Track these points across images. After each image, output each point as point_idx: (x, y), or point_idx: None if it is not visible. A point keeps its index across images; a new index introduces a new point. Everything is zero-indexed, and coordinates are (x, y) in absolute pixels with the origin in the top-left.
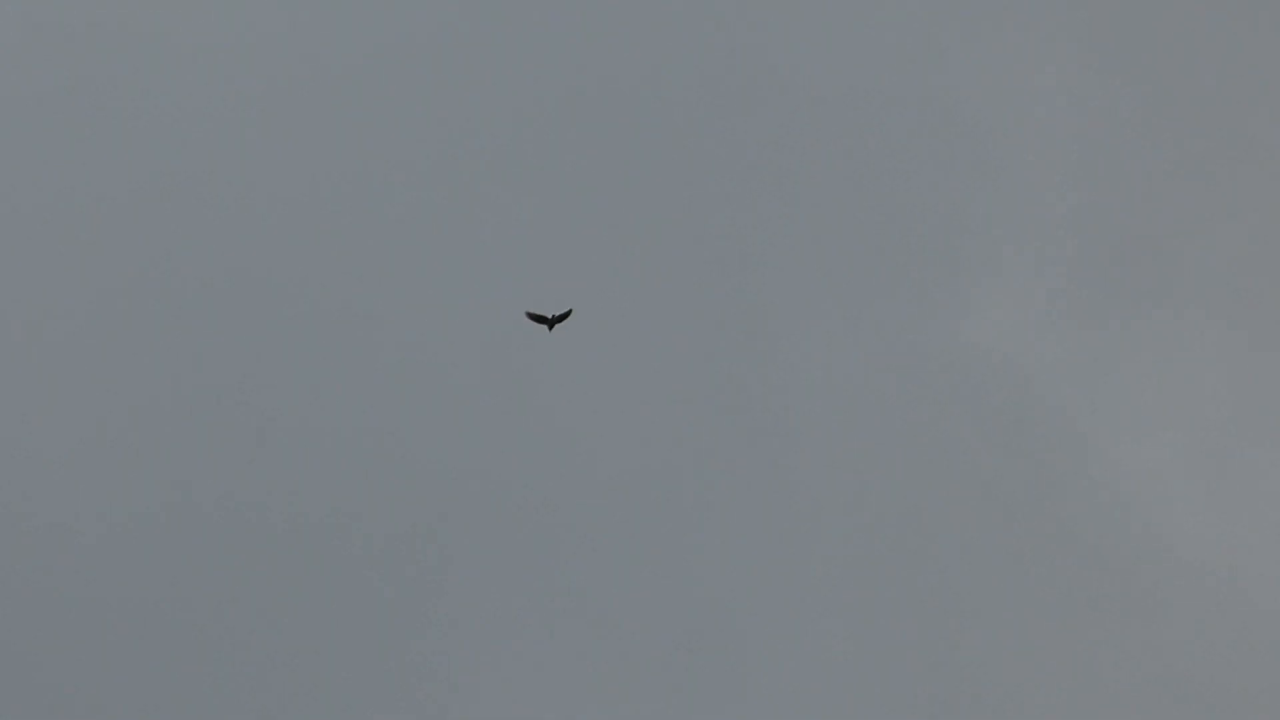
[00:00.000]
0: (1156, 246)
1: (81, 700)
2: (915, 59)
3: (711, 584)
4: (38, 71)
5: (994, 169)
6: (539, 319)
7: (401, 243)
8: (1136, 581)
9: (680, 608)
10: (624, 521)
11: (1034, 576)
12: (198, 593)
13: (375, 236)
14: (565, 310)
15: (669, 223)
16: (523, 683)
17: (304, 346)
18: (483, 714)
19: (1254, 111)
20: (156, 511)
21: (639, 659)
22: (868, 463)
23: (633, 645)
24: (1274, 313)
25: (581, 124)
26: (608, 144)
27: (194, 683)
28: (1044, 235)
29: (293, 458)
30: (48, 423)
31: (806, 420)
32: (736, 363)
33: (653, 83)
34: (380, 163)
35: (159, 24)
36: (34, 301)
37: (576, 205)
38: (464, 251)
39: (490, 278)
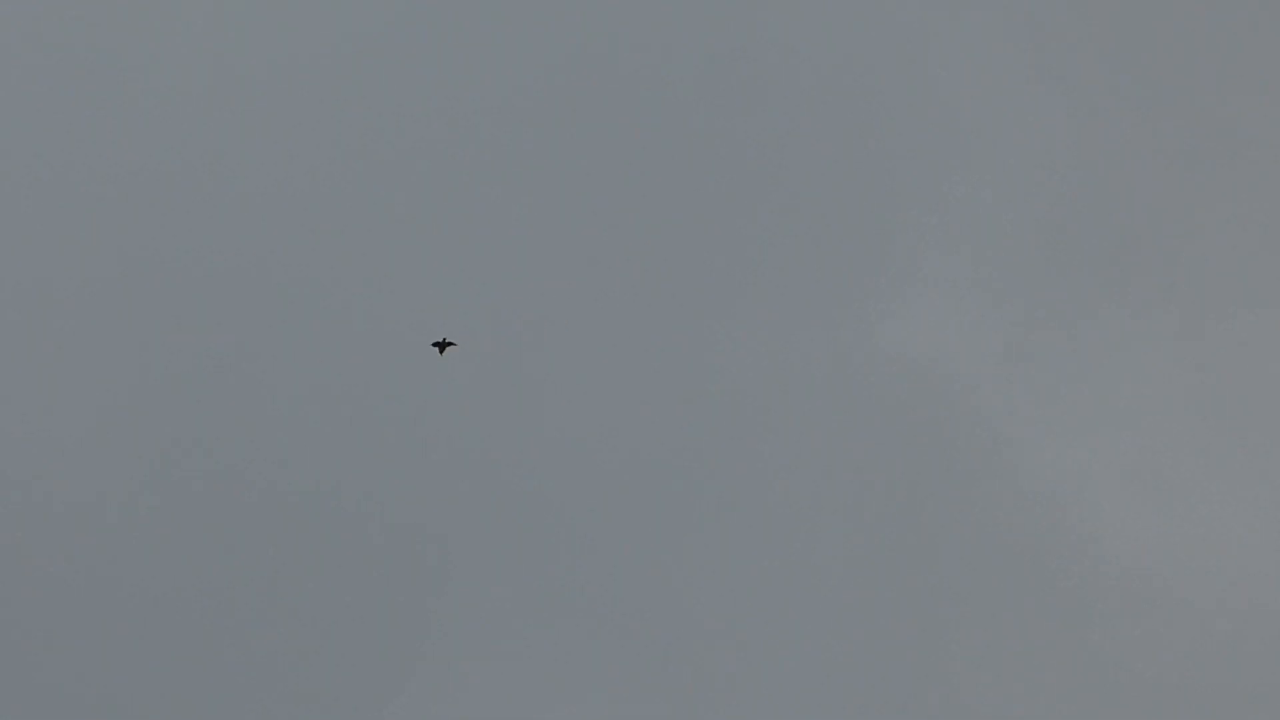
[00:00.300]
0: (1089, 252)
1: (70, 692)
2: (855, 66)
3: (640, 583)
4: (36, 72)
5: (925, 175)
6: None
7: (380, 234)
8: (1070, 584)
9: (613, 599)
10: (544, 516)
11: (966, 579)
12: (197, 587)
13: (359, 229)
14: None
15: (601, 228)
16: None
17: (302, 342)
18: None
19: (1189, 118)
20: (153, 501)
21: (582, 645)
22: (800, 466)
23: (573, 631)
24: (1207, 316)
25: (515, 129)
26: (531, 158)
27: (193, 679)
28: (974, 241)
29: (287, 452)
30: (45, 412)
31: (738, 423)
32: (668, 365)
33: (582, 96)
34: (364, 156)
35: (159, 23)
36: (33, 292)
37: (501, 225)
38: (424, 244)
39: (455, 270)
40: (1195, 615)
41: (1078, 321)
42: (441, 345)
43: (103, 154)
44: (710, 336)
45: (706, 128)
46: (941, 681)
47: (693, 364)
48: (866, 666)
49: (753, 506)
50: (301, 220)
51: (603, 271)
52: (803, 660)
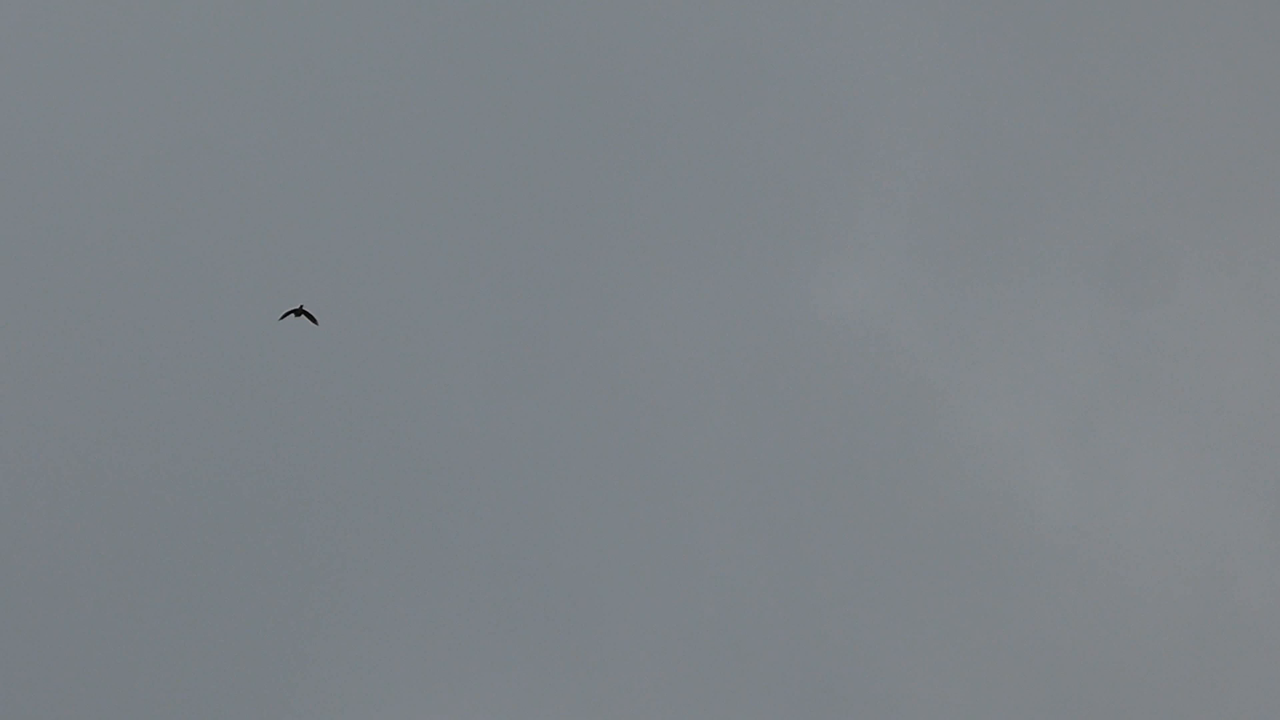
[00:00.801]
0: (1017, 215)
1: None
2: (780, 28)
3: (560, 556)
4: (35, 72)
5: (853, 138)
6: (298, 314)
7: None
8: (998, 550)
9: (524, 579)
10: (471, 492)
11: (896, 548)
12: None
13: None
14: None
15: (527, 187)
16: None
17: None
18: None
19: (1115, 79)
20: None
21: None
22: (729, 435)
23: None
24: (1133, 279)
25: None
26: (474, 112)
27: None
28: (903, 203)
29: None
30: (37, 416)
31: (665, 392)
32: (592, 332)
33: (514, 48)
34: (360, 158)
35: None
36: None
37: (435, 173)
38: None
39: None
40: (1120, 576)
41: (1005, 283)
42: (299, 313)
43: (102, 154)
44: (642, 303)
45: (638, 96)
46: (869, 644)
47: (626, 332)
48: (794, 629)
49: (685, 473)
50: (300, 222)
51: (534, 238)
52: (732, 626)
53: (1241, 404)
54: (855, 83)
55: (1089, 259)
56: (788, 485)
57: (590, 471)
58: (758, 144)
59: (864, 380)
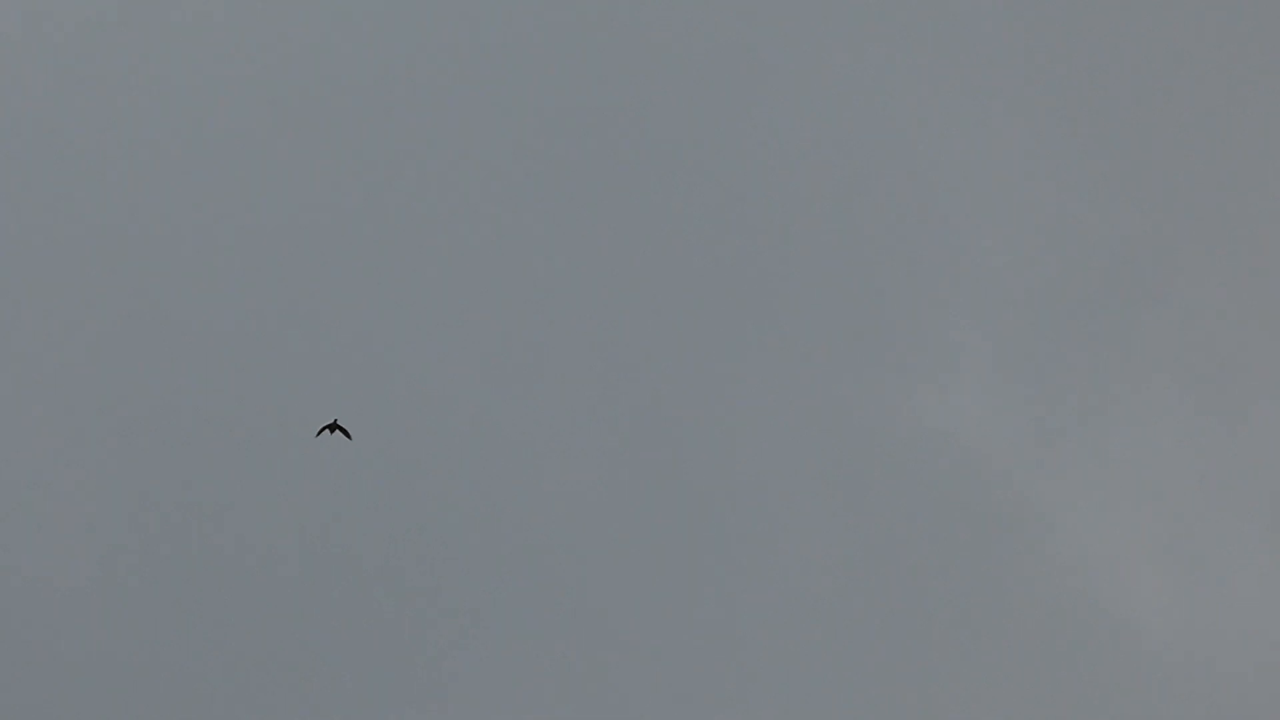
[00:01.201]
0: (1111, 324)
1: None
2: (870, 136)
3: (652, 668)
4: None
5: (945, 249)
6: (333, 429)
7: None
8: (1097, 666)
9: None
10: (585, 602)
11: (993, 667)
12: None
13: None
14: (332, 422)
15: (633, 306)
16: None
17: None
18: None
19: (1209, 186)
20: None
21: None
22: (822, 551)
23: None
24: (1231, 387)
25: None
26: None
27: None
28: (995, 314)
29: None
30: (41, 434)
31: (759, 508)
32: (692, 448)
33: (598, 172)
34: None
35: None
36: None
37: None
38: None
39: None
40: (1222, 691)
41: (1100, 393)
42: (334, 429)
43: (101, 155)
44: (735, 419)
45: (736, 207)
46: None
47: (719, 450)
48: None
49: (778, 590)
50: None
51: (639, 346)
52: None
53: None
54: (947, 193)
55: (1186, 368)
56: (882, 602)
57: (684, 588)
58: (849, 256)
59: (957, 494)
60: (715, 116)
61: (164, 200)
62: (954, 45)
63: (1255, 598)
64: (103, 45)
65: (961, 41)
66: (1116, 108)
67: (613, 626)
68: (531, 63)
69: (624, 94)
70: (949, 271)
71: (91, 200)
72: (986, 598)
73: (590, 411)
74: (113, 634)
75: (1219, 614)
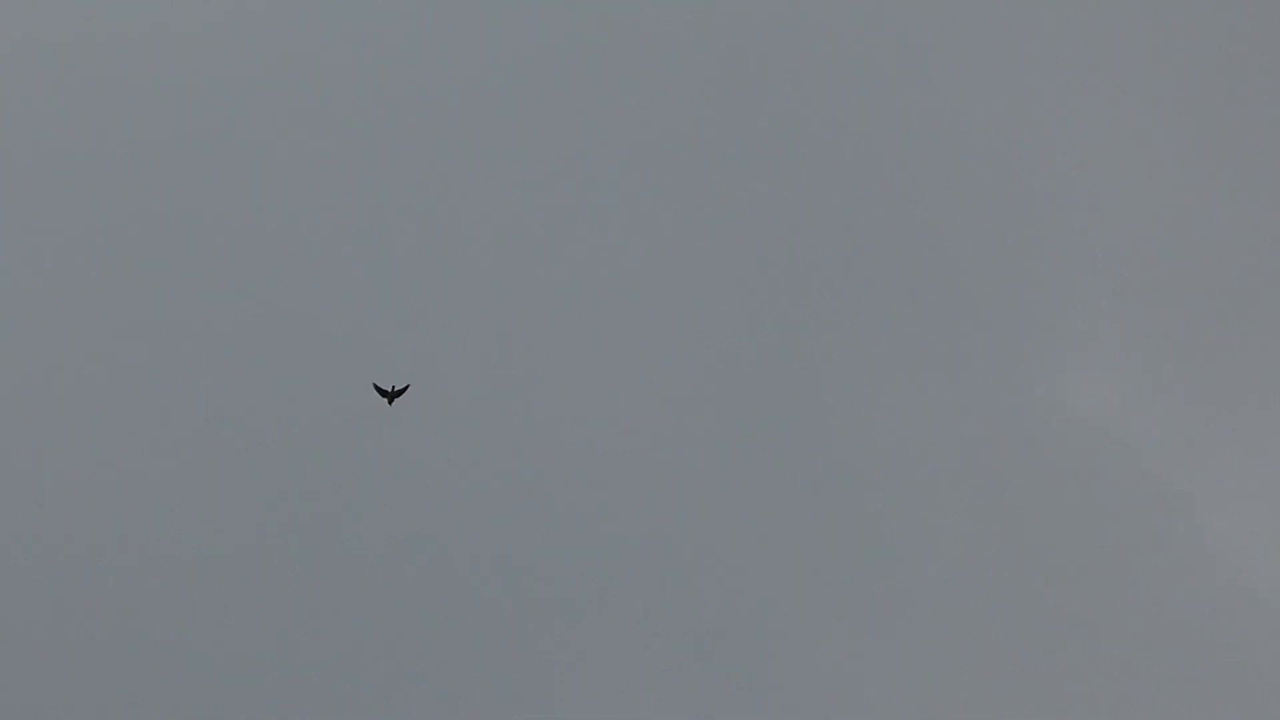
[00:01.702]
0: (1256, 311)
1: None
2: (1018, 135)
3: (800, 666)
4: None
5: (1089, 237)
6: (382, 392)
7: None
8: (1244, 656)
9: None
10: (717, 589)
11: (1140, 657)
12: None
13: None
14: (404, 386)
15: (762, 290)
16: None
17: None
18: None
19: None
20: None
21: None
22: (967, 542)
23: None
24: None
25: (669, 184)
26: (691, 206)
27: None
28: (1139, 302)
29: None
30: (53, 435)
31: (903, 501)
32: (827, 445)
33: (734, 147)
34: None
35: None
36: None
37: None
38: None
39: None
40: None
41: (1244, 381)
42: (390, 394)
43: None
44: (877, 412)
45: (876, 196)
46: None
47: (862, 443)
48: None
49: (923, 575)
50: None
51: (775, 339)
52: None
53: None
54: (1089, 182)
55: None
56: (1028, 592)
57: (828, 581)
58: (992, 245)
59: (1103, 485)
60: (865, 109)
61: (166, 200)
62: (1099, 38)
63: None
64: (103, 45)
65: (1108, 34)
66: (1257, 98)
67: (751, 626)
68: (672, 58)
69: (776, 82)
70: (1093, 258)
71: (92, 200)
72: (1134, 588)
73: (729, 402)
74: (118, 631)
75: None
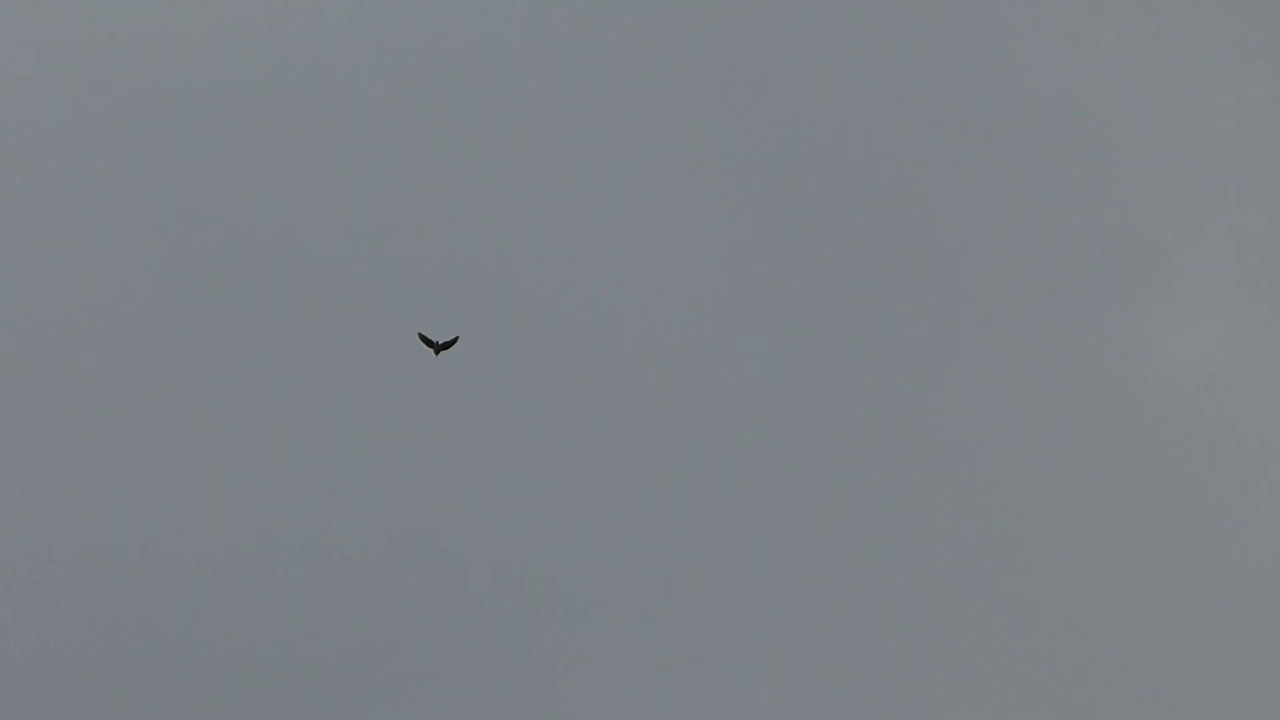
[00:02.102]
0: None
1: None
2: (1101, 77)
3: (897, 610)
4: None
5: (1186, 183)
6: (428, 343)
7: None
8: None
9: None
10: (805, 538)
11: (1251, 612)
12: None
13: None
14: (453, 338)
15: (856, 243)
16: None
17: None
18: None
19: None
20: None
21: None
22: (1071, 495)
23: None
24: None
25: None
26: (791, 167)
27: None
28: (1237, 245)
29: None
30: (42, 426)
31: (1003, 454)
32: (932, 382)
33: (832, 111)
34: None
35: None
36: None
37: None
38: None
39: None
40: None
41: None
42: (437, 346)
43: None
44: (975, 364)
45: (970, 164)
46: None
47: (958, 395)
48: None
49: (1027, 536)
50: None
51: (876, 297)
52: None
53: None
54: (1201, 130)
55: None
56: (1135, 543)
57: (932, 537)
58: (1078, 192)
59: (1203, 433)
60: (932, 58)
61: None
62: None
63: None
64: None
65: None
66: None
67: (856, 573)
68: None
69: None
70: (1190, 202)
71: (92, 199)
72: (1229, 540)
73: (829, 363)
74: (109, 634)
75: None
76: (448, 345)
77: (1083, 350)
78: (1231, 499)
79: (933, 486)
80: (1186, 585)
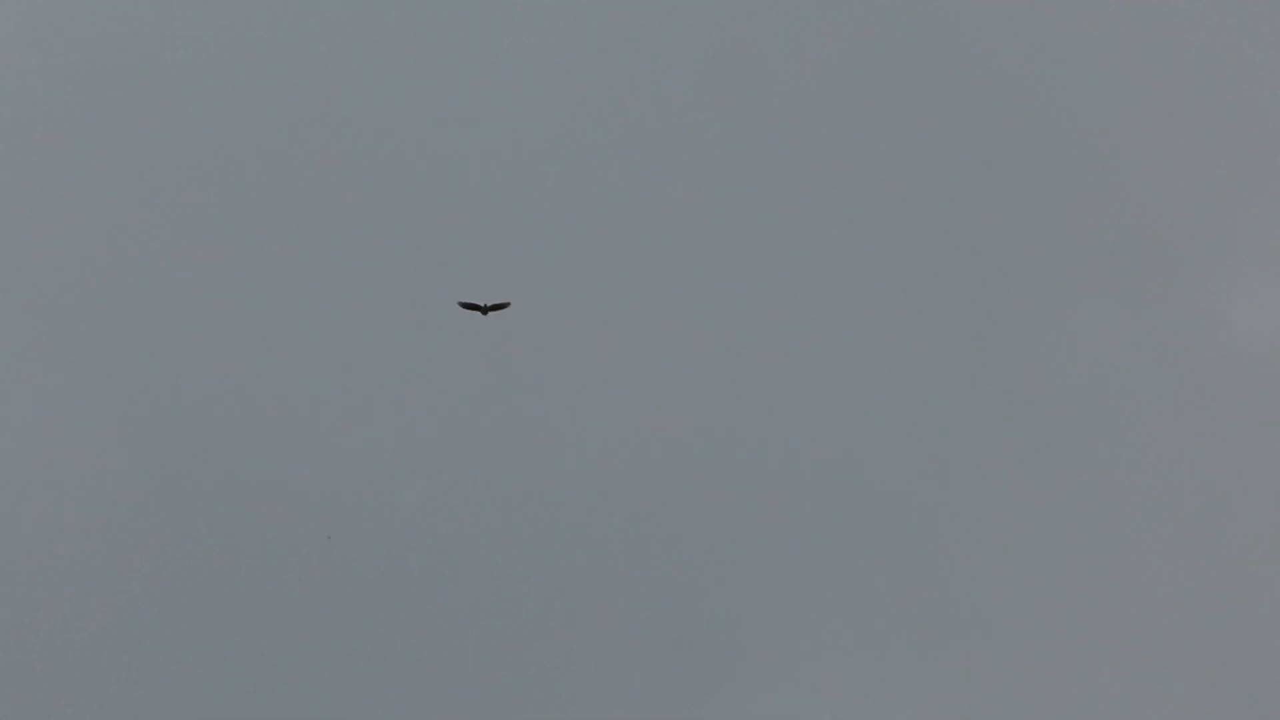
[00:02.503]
0: None
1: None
2: (1183, 42)
3: (972, 579)
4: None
5: (1259, 153)
6: (474, 307)
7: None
8: None
9: (928, 598)
10: (883, 516)
11: None
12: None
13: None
14: (504, 301)
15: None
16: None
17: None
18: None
19: None
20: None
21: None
22: (1153, 463)
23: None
24: None
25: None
26: (856, 145)
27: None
28: None
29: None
30: (43, 437)
31: (1083, 424)
32: (1005, 366)
33: (903, 87)
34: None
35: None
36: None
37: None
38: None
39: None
40: None
41: None
42: (484, 309)
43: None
44: (1050, 334)
45: (1039, 131)
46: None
47: (1041, 365)
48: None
49: (1097, 504)
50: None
51: (949, 270)
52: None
53: None
54: (1255, 94)
55: None
56: (1214, 513)
57: (1012, 514)
58: (1171, 169)
59: (1265, 403)
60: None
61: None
62: None
63: None
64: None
65: None
66: None
67: (953, 555)
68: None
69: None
70: (1254, 173)
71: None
72: None
73: (914, 335)
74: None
75: None
76: (498, 307)
77: (1157, 322)
78: None
79: (1002, 463)
80: (1261, 559)
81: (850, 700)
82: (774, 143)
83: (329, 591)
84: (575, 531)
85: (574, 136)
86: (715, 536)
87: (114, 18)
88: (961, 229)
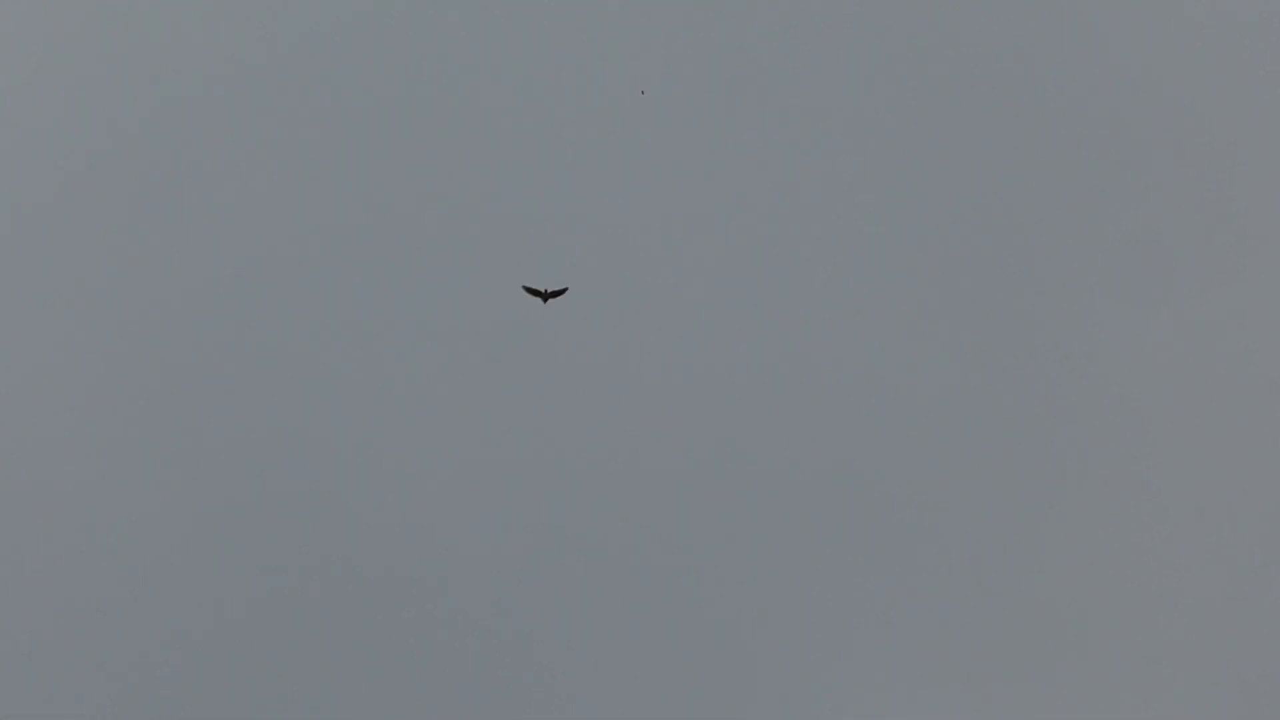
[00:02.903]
0: None
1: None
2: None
3: (978, 580)
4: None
5: None
6: (535, 293)
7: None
8: None
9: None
10: (967, 507)
11: None
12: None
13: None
14: (561, 288)
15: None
16: None
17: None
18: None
19: None
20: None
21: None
22: (1153, 462)
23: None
24: None
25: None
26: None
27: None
28: None
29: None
30: (46, 434)
31: (1169, 412)
32: (1020, 362)
33: (917, 83)
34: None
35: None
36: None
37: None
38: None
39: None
40: None
41: None
42: (545, 294)
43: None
44: (1135, 329)
45: (1050, 130)
46: None
47: (1126, 357)
48: None
49: (1109, 506)
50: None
51: (954, 270)
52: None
53: None
54: None
55: None
56: (1226, 514)
57: (1023, 516)
58: (1177, 164)
59: None
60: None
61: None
62: None
63: None
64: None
65: None
66: None
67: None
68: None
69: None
70: None
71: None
72: None
73: (922, 336)
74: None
75: None
76: (557, 294)
77: (1168, 322)
78: None
79: (1014, 464)
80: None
81: (851, 700)
82: (785, 142)
83: (329, 591)
84: (575, 531)
85: (574, 136)
86: (715, 536)
87: (114, 17)
88: (971, 230)
